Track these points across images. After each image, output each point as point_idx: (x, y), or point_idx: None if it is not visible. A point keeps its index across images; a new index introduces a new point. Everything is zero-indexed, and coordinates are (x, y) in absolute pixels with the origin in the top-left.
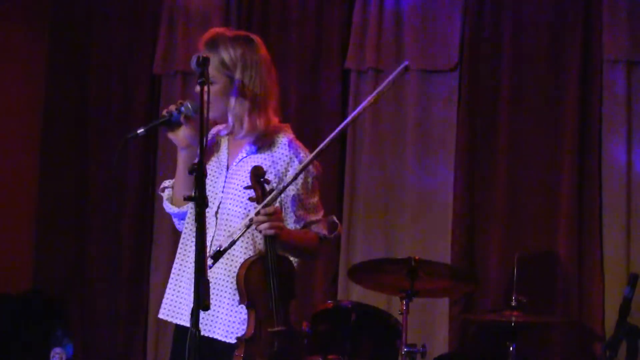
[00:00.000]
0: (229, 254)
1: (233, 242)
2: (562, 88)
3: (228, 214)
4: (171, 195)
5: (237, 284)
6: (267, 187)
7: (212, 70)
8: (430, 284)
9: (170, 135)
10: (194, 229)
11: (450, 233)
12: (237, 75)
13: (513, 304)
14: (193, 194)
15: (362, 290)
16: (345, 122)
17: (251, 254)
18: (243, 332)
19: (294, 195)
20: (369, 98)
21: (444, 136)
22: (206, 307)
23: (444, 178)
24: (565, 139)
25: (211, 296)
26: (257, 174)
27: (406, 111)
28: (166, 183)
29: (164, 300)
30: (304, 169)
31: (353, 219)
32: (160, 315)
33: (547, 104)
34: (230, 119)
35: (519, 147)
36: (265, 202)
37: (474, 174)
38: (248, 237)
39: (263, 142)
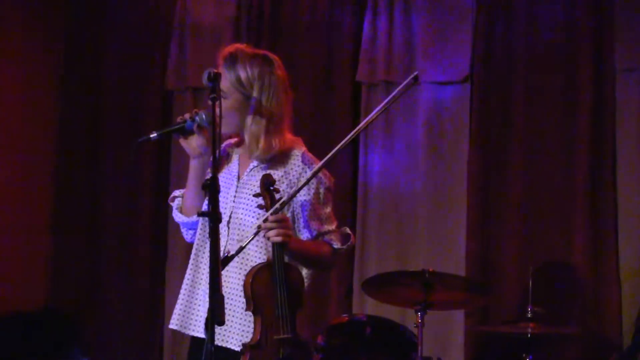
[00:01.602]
0: (242, 263)
1: (241, 249)
2: (575, 97)
3: (240, 224)
4: (181, 205)
5: (244, 290)
6: (277, 196)
7: (227, 84)
8: (445, 296)
9: (183, 143)
10: (207, 240)
11: (465, 244)
12: (255, 94)
13: (529, 315)
14: (206, 208)
15: (376, 304)
16: (354, 131)
17: None
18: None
19: (305, 205)
20: (379, 107)
21: (457, 147)
22: (221, 323)
23: (457, 190)
24: (579, 149)
25: (225, 306)
26: (267, 182)
27: (418, 123)
28: (176, 192)
29: (176, 311)
30: (313, 176)
31: (366, 232)
32: (172, 326)
33: (560, 113)
34: (246, 137)
35: (533, 157)
36: (273, 209)
37: (488, 185)
38: (261, 246)
39: (276, 155)
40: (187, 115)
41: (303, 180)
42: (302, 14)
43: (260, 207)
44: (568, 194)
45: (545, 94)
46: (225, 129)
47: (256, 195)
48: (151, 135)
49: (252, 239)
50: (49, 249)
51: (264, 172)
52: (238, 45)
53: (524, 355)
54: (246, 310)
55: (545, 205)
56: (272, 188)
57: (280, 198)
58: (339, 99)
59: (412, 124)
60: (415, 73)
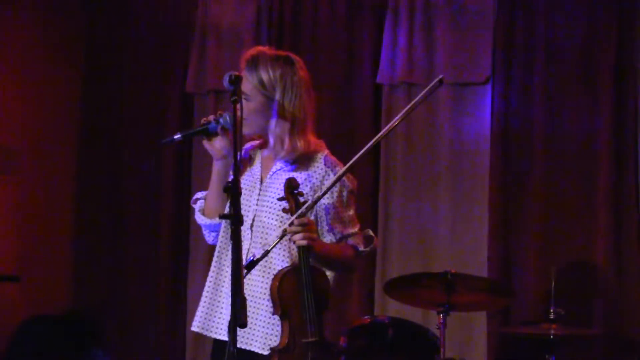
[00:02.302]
0: (265, 267)
1: (266, 252)
2: (596, 98)
3: (263, 227)
4: (203, 207)
5: (271, 294)
6: (301, 200)
7: (250, 87)
8: (467, 297)
9: (206, 144)
10: (229, 242)
11: (487, 246)
12: (277, 96)
13: (551, 316)
14: (228, 211)
15: (398, 305)
16: (380, 134)
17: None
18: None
19: (328, 208)
20: (404, 111)
21: (478, 148)
22: (243, 325)
23: (478, 191)
24: (601, 149)
25: (248, 309)
26: (291, 186)
27: (439, 124)
28: (199, 195)
29: (198, 313)
30: (337, 180)
31: (388, 233)
32: (195, 328)
33: (581, 113)
34: (270, 139)
35: (554, 157)
36: (298, 212)
37: (509, 185)
38: (285, 250)
39: (299, 157)
40: (211, 117)
41: (326, 184)
42: (322, 16)
43: (284, 210)
44: (590, 194)
45: (566, 94)
46: (248, 130)
47: (280, 199)
48: (175, 137)
49: (278, 242)
50: (72, 253)
51: (287, 176)
52: (260, 48)
53: (546, 356)
54: (273, 314)
55: (567, 206)
56: (296, 192)
57: (305, 201)
58: (360, 101)
59: (433, 125)
60: (441, 76)
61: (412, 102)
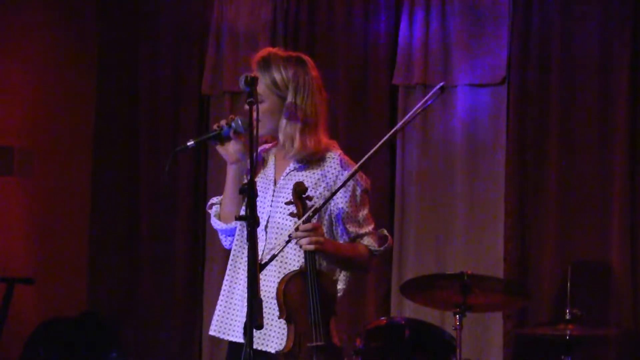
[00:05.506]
0: (281, 268)
1: (273, 257)
2: (612, 97)
3: (278, 228)
4: (219, 212)
5: (277, 298)
6: (309, 204)
7: (263, 88)
8: (483, 298)
9: (220, 150)
10: (244, 246)
11: (503, 246)
12: (289, 95)
13: (567, 317)
14: (243, 212)
15: (415, 306)
16: (384, 138)
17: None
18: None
19: (342, 208)
20: (405, 119)
21: (494, 149)
22: (259, 327)
23: (494, 192)
24: (617, 149)
25: (264, 311)
26: (299, 190)
27: (455, 126)
28: (214, 200)
29: (215, 317)
30: (347, 181)
31: (404, 234)
32: (212, 332)
33: (597, 114)
34: (280, 137)
35: (570, 158)
36: (304, 217)
37: (525, 186)
38: (300, 251)
39: (311, 157)
40: (223, 122)
41: (339, 184)
42: (338, 17)
43: (292, 214)
44: (606, 194)
45: (582, 95)
46: (261, 131)
47: (288, 203)
48: (188, 144)
49: (284, 247)
50: (88, 255)
51: (300, 176)
52: (270, 49)
53: (563, 357)
54: (279, 317)
55: (583, 206)
56: (304, 196)
57: (312, 205)
58: (376, 102)
59: (449, 126)
60: (442, 83)
61: (412, 110)
